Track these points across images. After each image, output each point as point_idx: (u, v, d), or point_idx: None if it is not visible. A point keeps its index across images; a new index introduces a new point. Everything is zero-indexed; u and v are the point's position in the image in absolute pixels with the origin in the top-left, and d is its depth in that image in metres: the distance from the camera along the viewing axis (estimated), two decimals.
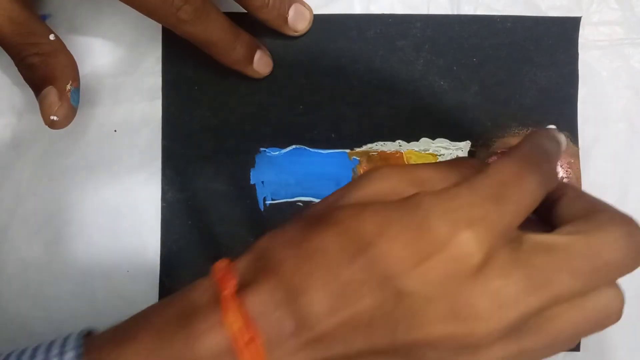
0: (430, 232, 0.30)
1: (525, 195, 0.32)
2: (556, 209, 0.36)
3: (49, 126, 0.41)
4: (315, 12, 0.47)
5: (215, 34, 0.43)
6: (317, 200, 0.47)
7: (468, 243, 0.29)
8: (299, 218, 0.35)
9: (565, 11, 0.47)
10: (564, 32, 0.47)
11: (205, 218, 0.47)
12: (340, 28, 0.47)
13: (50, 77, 0.42)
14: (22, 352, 0.34)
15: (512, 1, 0.47)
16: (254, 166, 0.48)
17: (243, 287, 0.31)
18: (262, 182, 0.47)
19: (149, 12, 0.41)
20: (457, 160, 0.38)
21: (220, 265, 0.33)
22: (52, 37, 0.43)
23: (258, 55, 0.46)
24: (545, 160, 0.34)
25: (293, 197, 0.47)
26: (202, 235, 0.47)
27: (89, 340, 0.34)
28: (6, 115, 0.47)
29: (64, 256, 0.47)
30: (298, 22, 0.46)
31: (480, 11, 0.47)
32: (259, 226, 0.47)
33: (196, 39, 0.43)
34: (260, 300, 0.30)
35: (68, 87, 0.42)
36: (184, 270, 0.47)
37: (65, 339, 0.34)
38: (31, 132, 0.47)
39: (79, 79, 0.43)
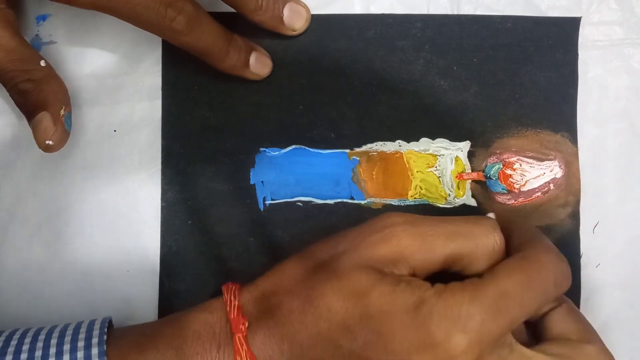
0: (429, 332, 0.34)
1: (524, 310, 0.36)
2: (547, 319, 0.39)
3: (43, 150, 0.42)
4: (315, 12, 0.47)
5: (209, 41, 0.43)
6: (316, 201, 0.47)
7: (459, 346, 0.34)
8: (303, 258, 0.40)
9: (565, 11, 0.47)
10: (563, 32, 0.47)
11: (205, 218, 0.47)
12: (340, 28, 0.47)
13: (43, 103, 0.42)
14: (39, 331, 0.39)
15: (512, 1, 0.47)
16: (253, 166, 0.48)
17: (251, 329, 0.37)
18: (262, 182, 0.47)
19: (144, 25, 0.42)
20: (469, 227, 0.39)
21: (231, 295, 0.39)
22: (42, 63, 0.43)
23: (253, 57, 0.46)
24: (550, 283, 0.37)
25: (293, 197, 0.47)
26: (202, 235, 0.47)
27: (112, 339, 0.38)
28: (6, 115, 0.47)
29: (64, 256, 0.47)
30: (294, 20, 0.46)
31: (480, 11, 0.47)
32: (259, 226, 0.47)
33: (192, 48, 0.43)
34: (267, 348, 0.36)
35: (62, 112, 0.42)
36: (184, 270, 0.47)
37: (89, 331, 0.38)
38: (31, 132, 0.47)
39: (70, 104, 0.44)
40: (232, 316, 0.37)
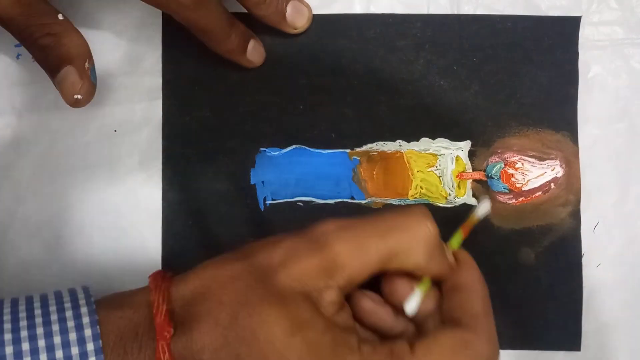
0: None
1: None
2: (448, 302, 0.39)
3: (71, 105, 0.41)
4: (316, 12, 0.47)
5: (213, 21, 0.43)
6: (317, 200, 0.47)
7: None
8: (239, 260, 0.38)
9: (565, 11, 0.47)
10: (564, 31, 0.47)
11: (206, 218, 0.47)
12: (340, 28, 0.47)
13: (66, 57, 0.41)
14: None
15: (512, 1, 0.47)
16: (254, 166, 0.48)
17: (175, 334, 0.35)
18: (262, 182, 0.47)
19: None
20: (401, 219, 0.39)
21: (159, 296, 0.37)
22: (60, 16, 0.42)
23: (251, 44, 0.46)
24: None
25: (293, 197, 0.47)
26: (202, 235, 0.47)
27: None
28: (6, 115, 0.47)
29: (64, 256, 0.47)
30: (296, 18, 0.46)
31: (480, 11, 0.47)
32: (260, 226, 0.47)
33: (195, 25, 0.43)
34: (189, 355, 0.35)
35: (87, 65, 0.41)
36: (185, 269, 0.47)
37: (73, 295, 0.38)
38: (31, 132, 0.47)
39: (92, 57, 0.42)
40: (158, 321, 0.35)
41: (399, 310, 0.38)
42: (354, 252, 0.36)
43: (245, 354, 0.34)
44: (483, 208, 0.44)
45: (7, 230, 0.47)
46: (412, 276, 0.39)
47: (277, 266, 0.36)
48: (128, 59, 0.48)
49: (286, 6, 0.45)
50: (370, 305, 0.39)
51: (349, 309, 0.38)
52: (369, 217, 0.38)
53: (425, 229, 0.37)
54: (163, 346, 0.35)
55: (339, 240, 0.36)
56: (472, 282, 0.39)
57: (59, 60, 0.41)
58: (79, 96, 0.41)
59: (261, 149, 0.48)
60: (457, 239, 0.42)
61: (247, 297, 0.35)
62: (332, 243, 0.36)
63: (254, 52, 0.46)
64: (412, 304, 0.38)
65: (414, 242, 0.37)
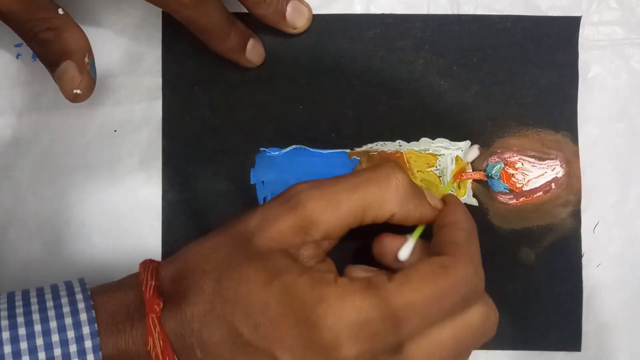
0: (320, 334, 0.33)
1: (425, 323, 0.35)
2: (434, 240, 0.39)
3: (71, 100, 0.41)
4: (316, 12, 0.47)
5: (213, 20, 0.43)
6: None
7: (348, 355, 0.33)
8: (220, 234, 0.39)
9: (565, 11, 0.47)
10: (564, 31, 0.47)
11: (206, 218, 0.47)
12: (340, 28, 0.47)
13: (66, 51, 0.41)
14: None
15: (512, 1, 0.47)
16: (254, 166, 0.48)
17: (165, 308, 0.36)
18: (262, 182, 0.47)
19: None
20: (369, 173, 0.39)
21: (148, 274, 0.38)
22: (60, 11, 0.42)
23: (251, 44, 0.46)
24: (460, 300, 0.36)
25: None
26: (202, 235, 0.47)
27: None
28: (6, 115, 0.47)
29: (64, 256, 0.47)
30: (296, 18, 0.46)
31: (480, 11, 0.47)
32: None
33: (195, 23, 0.43)
34: (179, 327, 0.36)
35: (86, 59, 0.41)
36: None
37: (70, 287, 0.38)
38: (31, 132, 0.47)
39: (92, 52, 0.42)
40: (147, 296, 0.36)
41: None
42: (327, 207, 0.37)
43: (230, 313, 0.35)
44: (472, 153, 0.45)
45: (7, 230, 0.47)
46: (405, 230, 0.40)
47: (254, 230, 0.37)
48: (128, 58, 0.48)
49: (286, 6, 0.45)
50: (361, 273, 0.39)
51: (332, 264, 0.38)
52: (339, 176, 0.39)
53: (394, 178, 0.38)
54: (153, 319, 0.36)
55: (311, 198, 0.37)
56: (456, 219, 0.39)
57: (58, 54, 0.41)
58: (78, 91, 0.41)
59: (261, 149, 0.48)
60: (448, 186, 0.43)
61: (228, 262, 0.36)
62: (305, 201, 0.37)
63: (253, 52, 0.46)
64: (406, 250, 0.39)
65: (385, 192, 0.38)
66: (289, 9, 0.45)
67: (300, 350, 0.34)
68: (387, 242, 0.40)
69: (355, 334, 0.33)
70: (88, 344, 0.35)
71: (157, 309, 0.36)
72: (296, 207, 0.37)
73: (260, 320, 0.34)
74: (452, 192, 0.42)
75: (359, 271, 0.39)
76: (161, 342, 0.35)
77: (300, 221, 0.37)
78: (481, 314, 0.37)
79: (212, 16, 0.43)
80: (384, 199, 0.38)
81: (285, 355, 0.34)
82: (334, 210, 0.37)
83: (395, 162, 0.39)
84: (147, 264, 0.39)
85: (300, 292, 0.34)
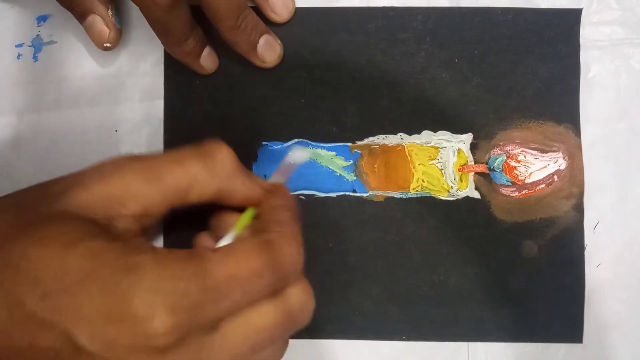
0: (130, 303, 0.29)
1: (247, 297, 0.33)
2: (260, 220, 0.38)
3: (102, 50, 0.46)
4: (317, 5, 0.47)
5: (179, 24, 0.42)
6: (318, 194, 0.47)
7: (161, 327, 0.29)
8: (13, 195, 0.35)
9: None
10: (565, 24, 0.47)
11: (207, 213, 0.47)
12: (341, 21, 0.47)
13: (89, 7, 0.44)
14: None
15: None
16: (256, 160, 0.48)
17: None
18: (264, 175, 0.47)
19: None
20: (193, 150, 0.37)
21: None
22: None
23: (207, 51, 0.46)
24: (282, 275, 0.34)
25: (295, 191, 0.47)
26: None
27: None
28: (6, 115, 0.47)
29: None
30: (267, 52, 0.46)
31: (481, 3, 0.47)
32: None
33: (161, 24, 0.42)
34: None
35: (110, 12, 0.44)
36: None
37: None
38: (31, 132, 0.47)
39: (113, 2, 0.45)
40: None
41: None
42: (148, 178, 0.35)
43: (10, 279, 0.30)
44: (298, 155, 0.42)
45: None
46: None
47: (56, 194, 0.33)
48: (128, 58, 0.48)
49: (259, 38, 0.45)
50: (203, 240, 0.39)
51: (149, 242, 0.36)
52: (163, 152, 0.37)
53: (219, 152, 0.37)
54: None
55: (131, 170, 0.35)
56: (282, 202, 0.38)
57: (84, 7, 0.44)
58: (109, 44, 0.45)
59: (263, 142, 0.47)
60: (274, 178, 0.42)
61: (14, 224, 0.32)
62: (124, 171, 0.35)
63: (208, 59, 0.46)
64: (225, 241, 0.37)
65: (210, 168, 0.36)
66: (261, 41, 0.46)
67: (101, 323, 0.29)
68: (220, 219, 0.39)
69: (172, 305, 0.30)
70: None
71: None
72: (112, 176, 0.34)
73: (52, 287, 0.29)
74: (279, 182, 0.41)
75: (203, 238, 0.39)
76: None
77: (117, 192, 0.34)
78: (300, 299, 0.36)
79: (180, 20, 0.42)
80: (209, 173, 0.36)
81: (81, 330, 0.29)
82: (154, 183, 0.35)
83: (219, 141, 0.37)
84: None
85: (110, 258, 0.30)
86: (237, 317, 0.33)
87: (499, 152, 0.47)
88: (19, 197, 0.35)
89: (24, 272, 0.30)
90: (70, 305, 0.29)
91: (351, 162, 0.47)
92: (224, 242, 0.36)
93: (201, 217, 0.47)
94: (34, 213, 0.33)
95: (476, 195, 0.47)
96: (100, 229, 0.33)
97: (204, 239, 0.39)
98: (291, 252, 0.35)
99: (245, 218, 0.38)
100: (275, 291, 0.34)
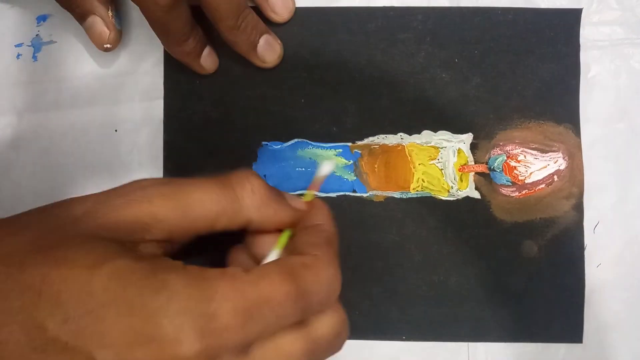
0: (159, 324, 0.28)
1: (279, 322, 0.32)
2: (296, 241, 0.36)
3: (102, 51, 0.46)
4: (317, 5, 0.47)
5: (179, 24, 0.42)
6: (319, 194, 0.47)
7: (190, 349, 0.28)
8: (33, 213, 0.34)
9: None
10: (565, 23, 0.47)
11: None
12: (341, 21, 0.47)
13: (89, 8, 0.44)
14: None
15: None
16: (256, 160, 0.48)
17: None
18: (264, 175, 0.47)
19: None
20: (223, 179, 0.36)
21: None
22: None
23: (207, 51, 0.46)
24: (316, 301, 0.33)
25: (295, 191, 0.47)
26: None
27: None
28: (6, 115, 0.47)
29: None
30: (267, 52, 0.46)
31: (481, 3, 0.47)
32: None
33: (162, 24, 0.42)
34: None
35: (110, 13, 0.44)
36: None
37: None
38: (31, 132, 0.47)
39: (114, 2, 0.45)
40: None
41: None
42: (176, 206, 0.33)
43: (31, 304, 0.28)
44: (326, 168, 0.41)
45: None
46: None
47: (80, 215, 0.32)
48: (128, 58, 0.48)
49: (259, 38, 0.45)
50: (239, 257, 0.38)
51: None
52: (193, 178, 0.36)
53: (248, 183, 0.36)
54: None
55: (159, 195, 0.33)
56: (320, 221, 0.38)
57: (84, 8, 0.44)
58: (109, 45, 0.46)
59: (263, 142, 0.47)
60: (308, 197, 0.40)
61: (35, 244, 0.30)
62: (151, 196, 0.33)
63: (208, 59, 0.46)
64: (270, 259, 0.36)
65: (239, 201, 0.35)
66: (261, 41, 0.46)
67: (127, 346, 0.28)
68: (257, 241, 0.38)
69: (201, 328, 0.29)
70: None
71: None
72: (140, 201, 0.33)
73: (76, 310, 0.28)
74: (317, 197, 0.40)
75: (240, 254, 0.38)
76: None
77: (143, 217, 0.33)
78: (333, 328, 0.35)
79: (180, 20, 0.42)
80: (239, 204, 0.35)
81: (106, 354, 0.28)
82: (182, 211, 0.34)
83: (251, 170, 0.36)
84: None
85: (137, 277, 0.29)
86: (268, 342, 0.32)
87: (499, 152, 0.47)
88: (40, 216, 0.33)
89: (46, 295, 0.28)
90: (94, 328, 0.28)
91: (351, 162, 0.47)
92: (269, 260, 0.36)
93: None
94: (57, 234, 0.31)
95: (476, 195, 0.47)
96: (126, 248, 0.31)
97: (239, 256, 0.38)
98: (327, 276, 0.33)
99: (283, 240, 0.37)
100: (308, 317, 0.33)
